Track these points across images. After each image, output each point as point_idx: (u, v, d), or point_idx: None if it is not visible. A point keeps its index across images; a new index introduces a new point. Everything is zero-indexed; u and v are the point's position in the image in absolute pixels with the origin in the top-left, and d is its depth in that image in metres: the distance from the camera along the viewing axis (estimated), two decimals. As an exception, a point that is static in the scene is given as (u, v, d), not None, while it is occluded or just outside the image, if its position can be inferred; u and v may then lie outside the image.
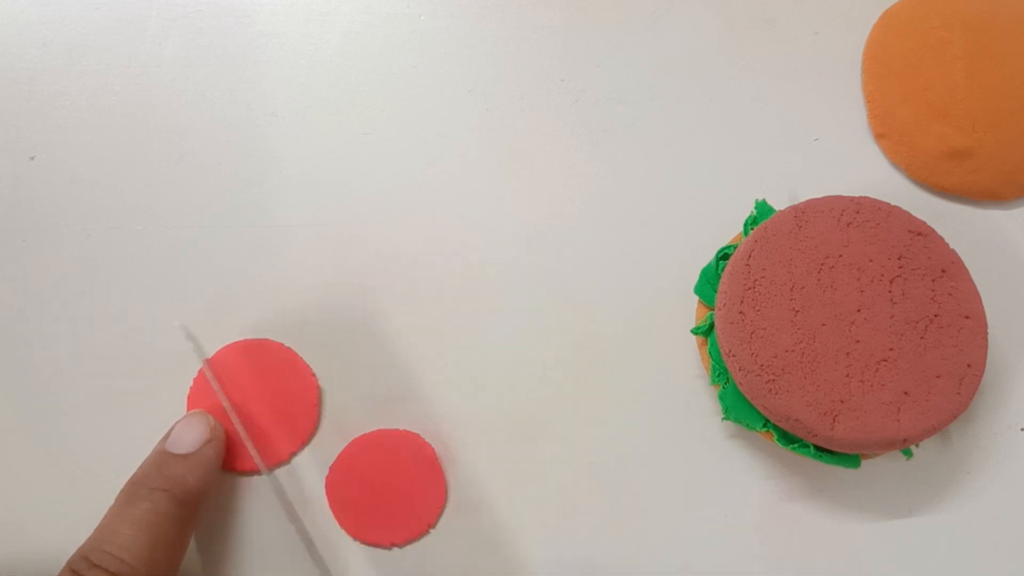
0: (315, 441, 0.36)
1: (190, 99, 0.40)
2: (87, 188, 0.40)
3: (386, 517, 0.35)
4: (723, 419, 0.33)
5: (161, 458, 0.33)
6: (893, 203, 0.32)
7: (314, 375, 0.36)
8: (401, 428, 0.36)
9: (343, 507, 0.35)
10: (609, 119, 0.39)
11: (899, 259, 0.31)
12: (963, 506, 0.34)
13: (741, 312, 0.31)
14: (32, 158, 0.40)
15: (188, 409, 0.36)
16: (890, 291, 0.31)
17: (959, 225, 0.36)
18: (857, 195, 0.32)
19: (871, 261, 0.31)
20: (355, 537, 0.35)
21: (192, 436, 0.33)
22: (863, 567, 0.34)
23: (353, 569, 0.35)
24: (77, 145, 0.40)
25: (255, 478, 0.36)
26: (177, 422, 0.34)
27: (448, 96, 0.40)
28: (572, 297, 0.37)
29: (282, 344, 0.37)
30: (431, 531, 0.35)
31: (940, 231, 0.32)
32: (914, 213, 0.32)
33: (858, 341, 0.30)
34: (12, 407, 0.37)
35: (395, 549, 0.35)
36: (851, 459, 0.32)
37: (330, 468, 0.36)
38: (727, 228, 0.36)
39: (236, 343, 0.37)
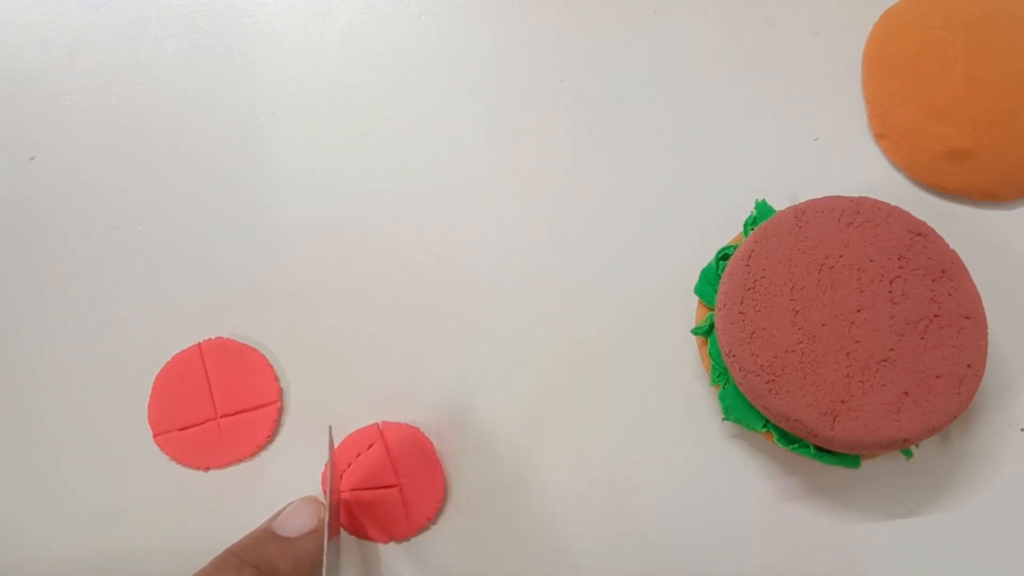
0: (311, 436, 0.36)
1: (190, 99, 0.40)
2: (87, 188, 0.40)
3: (384, 512, 0.35)
4: (723, 419, 0.33)
5: (263, 535, 0.32)
6: (893, 203, 0.32)
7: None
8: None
9: (340, 502, 0.35)
10: (609, 119, 0.39)
11: (899, 259, 0.31)
12: (963, 506, 0.34)
13: (741, 312, 0.31)
14: (32, 158, 0.40)
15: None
16: (890, 291, 0.31)
17: (959, 225, 0.36)
18: (857, 195, 0.32)
19: (871, 261, 0.31)
20: (352, 533, 0.35)
21: (298, 522, 0.32)
22: (863, 567, 0.34)
23: (350, 564, 0.35)
24: (77, 145, 0.40)
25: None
26: (291, 503, 0.33)
27: (448, 96, 0.40)
28: (572, 297, 0.37)
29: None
30: (430, 527, 0.35)
31: (940, 231, 0.32)
32: (914, 213, 0.32)
33: (858, 341, 0.30)
34: (12, 406, 0.37)
35: (392, 544, 0.35)
36: (851, 459, 0.32)
37: (325, 464, 0.35)
38: (727, 228, 0.36)
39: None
